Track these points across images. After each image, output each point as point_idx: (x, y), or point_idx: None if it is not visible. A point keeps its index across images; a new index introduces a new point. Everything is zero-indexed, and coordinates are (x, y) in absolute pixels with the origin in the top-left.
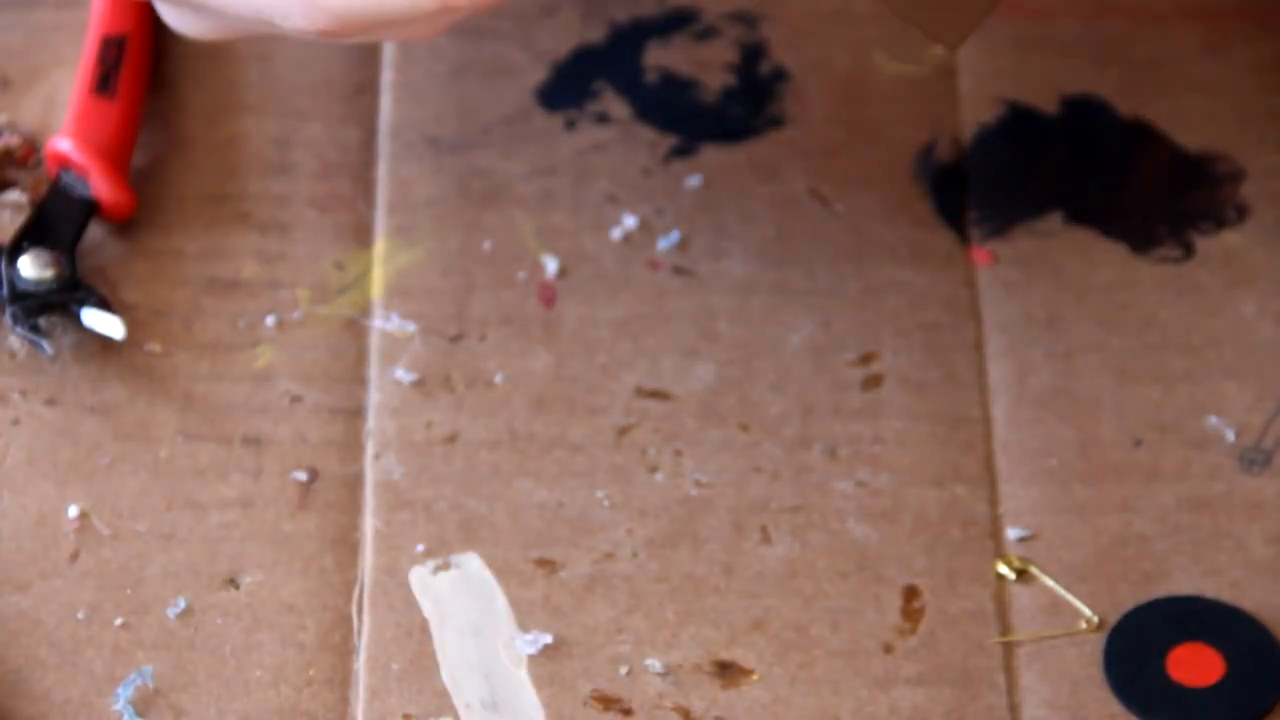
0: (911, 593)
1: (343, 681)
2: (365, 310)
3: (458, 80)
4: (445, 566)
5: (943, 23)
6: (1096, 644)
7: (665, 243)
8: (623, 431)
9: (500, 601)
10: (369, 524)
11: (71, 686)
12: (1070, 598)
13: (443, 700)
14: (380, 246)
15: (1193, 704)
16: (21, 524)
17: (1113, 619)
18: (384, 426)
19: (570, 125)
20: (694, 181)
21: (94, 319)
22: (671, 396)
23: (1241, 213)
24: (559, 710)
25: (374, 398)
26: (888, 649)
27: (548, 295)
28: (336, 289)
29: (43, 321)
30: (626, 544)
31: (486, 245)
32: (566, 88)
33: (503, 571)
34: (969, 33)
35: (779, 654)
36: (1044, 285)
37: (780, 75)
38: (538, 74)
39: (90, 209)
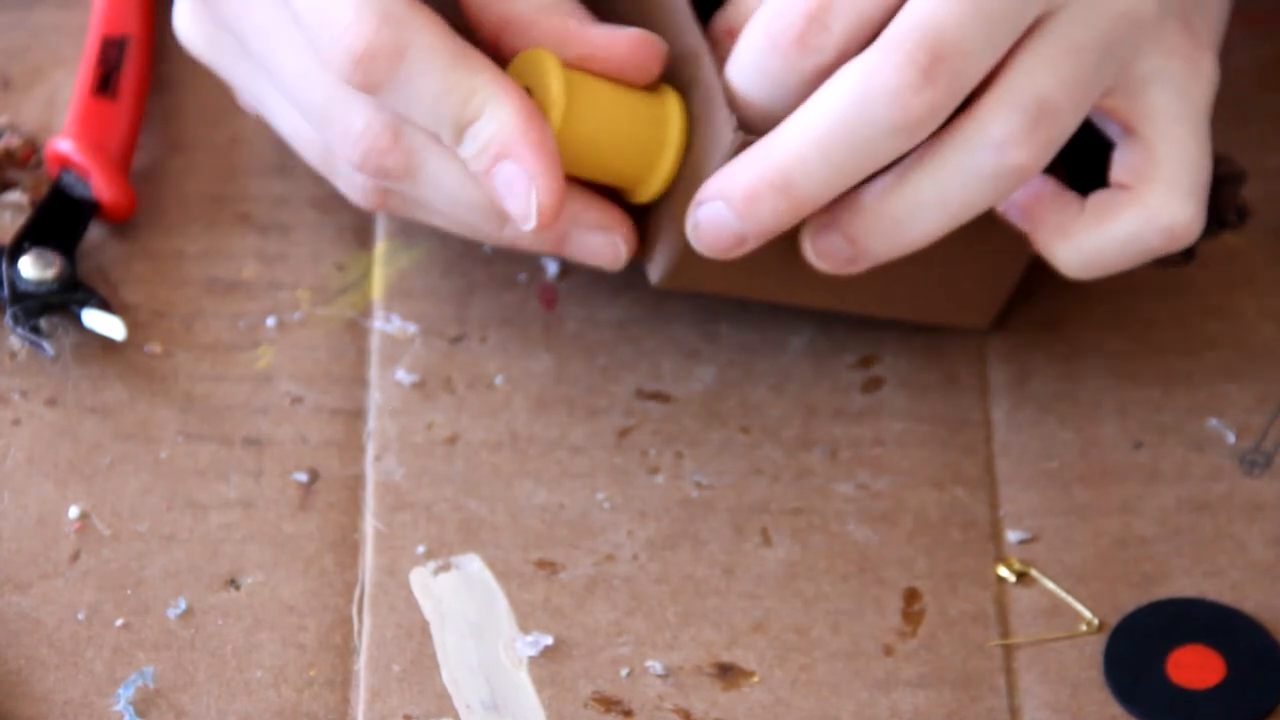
0: (912, 595)
1: (343, 682)
2: (366, 311)
3: None
4: (446, 568)
5: (965, 311)
6: (1097, 646)
7: None
8: (623, 433)
9: (501, 603)
10: (370, 525)
11: (72, 687)
12: (1071, 600)
13: (443, 701)
14: (381, 247)
15: (1193, 706)
16: (22, 524)
17: (1113, 621)
18: (385, 428)
19: None
20: None
21: (95, 320)
22: (672, 398)
23: (1241, 213)
24: (559, 711)
25: (375, 399)
26: (888, 651)
27: (548, 297)
28: (337, 290)
29: (43, 322)
30: (627, 545)
31: (487, 246)
32: None
33: (503, 573)
34: (996, 310)
35: (779, 656)
36: (1044, 288)
37: None
38: None
39: (91, 210)
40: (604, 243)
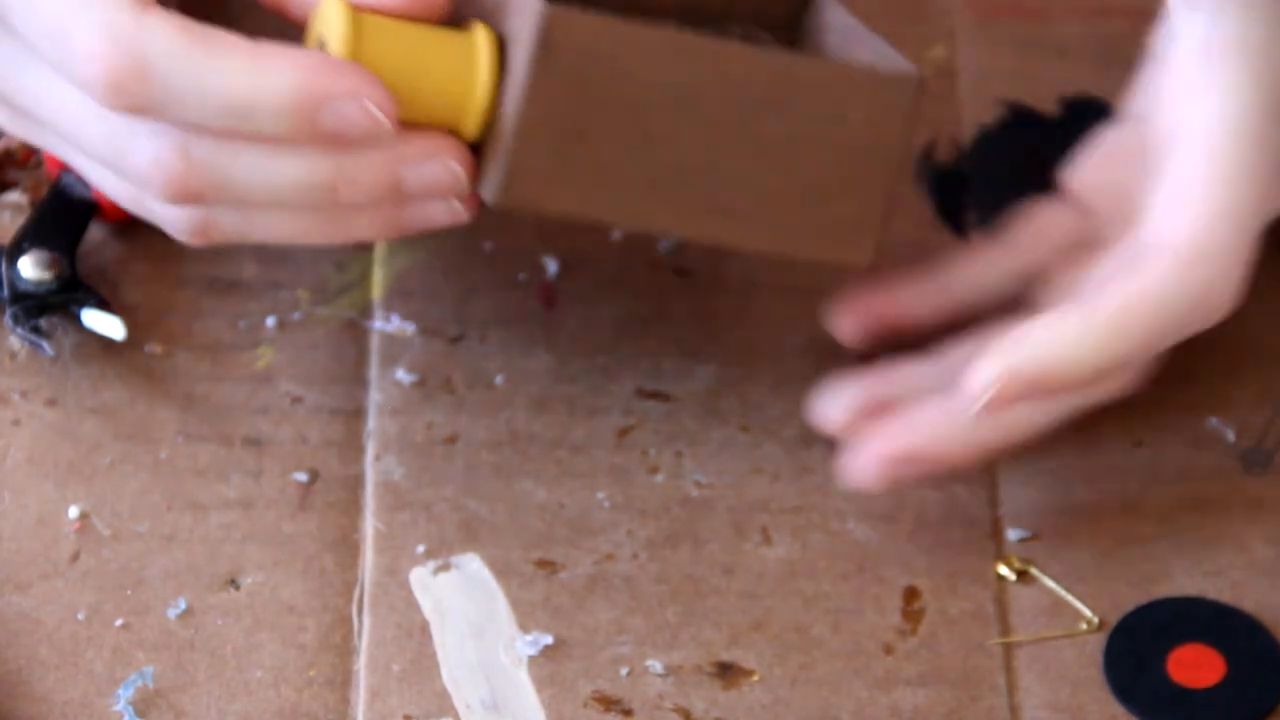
0: (912, 594)
1: (343, 682)
2: (366, 311)
3: None
4: (446, 567)
5: (839, 236)
6: (1097, 645)
7: (666, 243)
8: (623, 432)
9: (501, 602)
10: (369, 525)
11: (72, 687)
12: (1071, 598)
13: (443, 701)
14: (380, 247)
15: (1193, 705)
16: (22, 524)
17: (1113, 620)
18: (385, 427)
19: None
20: None
21: (94, 320)
22: (672, 397)
23: None
24: (559, 711)
25: (375, 399)
26: (888, 650)
27: (548, 296)
28: (337, 290)
29: (43, 322)
30: (627, 545)
31: (487, 246)
32: None
33: (503, 572)
34: (874, 235)
35: (779, 655)
36: None
37: None
38: None
39: (91, 210)
40: (439, 170)
